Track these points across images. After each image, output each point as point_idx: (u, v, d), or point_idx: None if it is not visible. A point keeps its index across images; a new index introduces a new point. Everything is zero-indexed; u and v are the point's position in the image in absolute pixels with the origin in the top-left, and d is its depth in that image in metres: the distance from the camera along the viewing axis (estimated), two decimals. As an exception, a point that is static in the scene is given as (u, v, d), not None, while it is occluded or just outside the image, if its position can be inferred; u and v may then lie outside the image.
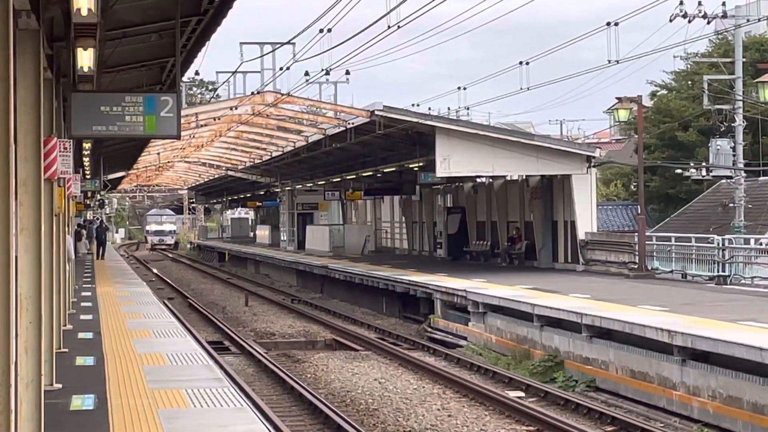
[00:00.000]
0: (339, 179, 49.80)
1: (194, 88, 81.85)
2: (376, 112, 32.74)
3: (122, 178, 61.52)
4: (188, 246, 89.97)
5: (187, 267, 63.70)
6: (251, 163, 54.53)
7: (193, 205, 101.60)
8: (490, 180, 38.82)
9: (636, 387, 16.88)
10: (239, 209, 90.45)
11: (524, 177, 35.53)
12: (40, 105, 9.32)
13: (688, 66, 46.98)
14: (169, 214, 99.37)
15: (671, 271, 27.47)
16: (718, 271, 25.53)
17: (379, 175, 44.90)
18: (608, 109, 59.24)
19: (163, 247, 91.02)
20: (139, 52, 14.56)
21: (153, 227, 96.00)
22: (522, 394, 17.68)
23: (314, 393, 16.94)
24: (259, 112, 37.73)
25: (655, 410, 16.04)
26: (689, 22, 30.56)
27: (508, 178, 37.33)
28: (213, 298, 38.97)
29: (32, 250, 9.12)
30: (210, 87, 75.62)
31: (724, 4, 31.15)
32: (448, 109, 52.18)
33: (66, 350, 15.23)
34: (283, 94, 35.16)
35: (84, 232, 51.34)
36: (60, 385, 12.19)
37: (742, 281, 24.94)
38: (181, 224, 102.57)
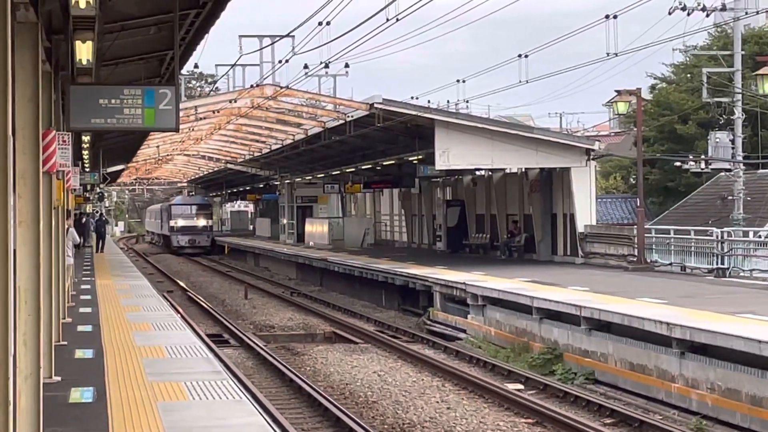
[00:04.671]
0: (338, 172, 49.81)
1: (193, 81, 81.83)
2: (376, 105, 32.72)
3: (121, 171, 61.54)
4: None
5: (187, 260, 63.67)
6: (250, 156, 54.54)
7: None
8: (490, 173, 38.82)
9: (635, 379, 16.89)
10: (239, 202, 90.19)
11: (523, 170, 35.52)
12: (38, 98, 9.31)
13: (688, 59, 46.92)
14: (203, 204, 71.73)
15: (670, 264, 27.49)
16: (717, 264, 25.54)
17: (378, 168, 44.92)
18: (607, 101, 59.18)
19: (196, 251, 66.21)
20: (137, 45, 14.56)
21: (179, 222, 67.45)
22: (521, 386, 17.69)
23: (313, 386, 16.95)
24: (258, 105, 37.71)
25: (654, 403, 16.06)
26: (688, 14, 30.56)
27: (508, 170, 37.32)
28: (212, 290, 38.97)
29: (31, 243, 9.12)
30: (209, 80, 75.55)
31: (723, -4, 31.12)
32: (448, 102, 52.38)
33: (65, 343, 15.24)
34: (282, 87, 35.14)
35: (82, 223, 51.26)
36: (59, 378, 12.20)
37: (741, 274, 24.95)
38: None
